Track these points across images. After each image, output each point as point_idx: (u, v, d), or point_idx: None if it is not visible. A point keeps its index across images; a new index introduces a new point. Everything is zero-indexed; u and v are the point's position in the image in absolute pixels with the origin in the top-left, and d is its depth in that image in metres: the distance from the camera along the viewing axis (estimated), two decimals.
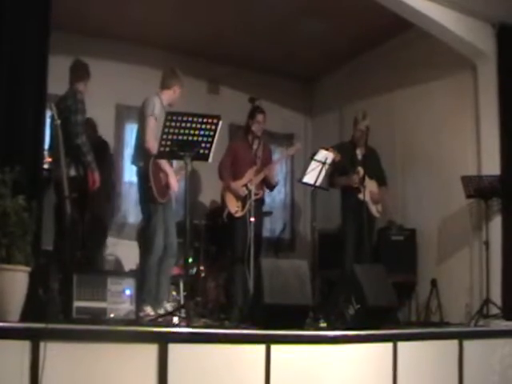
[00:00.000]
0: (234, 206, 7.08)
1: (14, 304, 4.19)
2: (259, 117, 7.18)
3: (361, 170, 7.39)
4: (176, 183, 6.19)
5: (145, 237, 6.35)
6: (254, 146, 7.25)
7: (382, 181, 7.83)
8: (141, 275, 6.00)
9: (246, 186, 7.05)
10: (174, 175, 6.17)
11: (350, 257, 7.35)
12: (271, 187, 7.48)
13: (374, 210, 7.62)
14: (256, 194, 6.92)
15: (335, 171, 7.47)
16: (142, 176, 6.14)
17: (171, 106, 6.30)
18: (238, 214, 7.04)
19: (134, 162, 6.36)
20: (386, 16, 7.31)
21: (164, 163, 6.08)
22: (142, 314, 5.61)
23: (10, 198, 4.31)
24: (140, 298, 5.77)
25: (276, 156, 8.20)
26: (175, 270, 6.77)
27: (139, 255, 6.85)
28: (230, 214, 7.10)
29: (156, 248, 6.08)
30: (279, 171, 9.95)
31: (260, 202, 7.25)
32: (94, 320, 4.54)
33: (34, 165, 4.99)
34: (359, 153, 7.65)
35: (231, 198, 7.11)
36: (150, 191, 6.03)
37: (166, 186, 6.12)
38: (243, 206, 7.02)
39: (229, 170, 7.26)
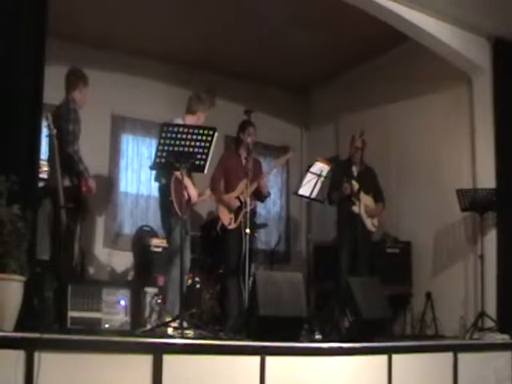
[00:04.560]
0: (226, 219, 7.03)
1: (9, 313, 4.18)
2: (251, 129, 7.15)
3: (355, 183, 7.40)
4: (196, 194, 6.33)
5: (169, 250, 6.45)
6: (244, 159, 7.22)
7: (379, 197, 7.83)
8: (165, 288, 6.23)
9: (238, 197, 7.04)
10: (193, 187, 6.29)
11: (344, 269, 7.34)
12: (263, 198, 7.40)
13: (370, 223, 7.60)
14: (249, 205, 6.89)
15: (332, 188, 7.49)
16: (164, 191, 6.26)
17: None
18: (231, 226, 6.99)
19: (156, 178, 6.43)
20: (383, 28, 7.35)
21: (184, 177, 6.08)
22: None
23: (4, 207, 4.30)
24: (164, 310, 5.92)
25: (265, 167, 8.18)
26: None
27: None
28: (223, 227, 7.07)
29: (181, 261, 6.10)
30: (274, 183, 9.96)
31: (252, 213, 7.21)
32: (89, 330, 4.52)
33: (29, 174, 4.96)
34: (355, 170, 7.66)
35: (224, 210, 7.07)
36: (172, 205, 6.14)
37: (187, 201, 6.14)
38: (236, 218, 7.00)
39: (221, 182, 7.26)
